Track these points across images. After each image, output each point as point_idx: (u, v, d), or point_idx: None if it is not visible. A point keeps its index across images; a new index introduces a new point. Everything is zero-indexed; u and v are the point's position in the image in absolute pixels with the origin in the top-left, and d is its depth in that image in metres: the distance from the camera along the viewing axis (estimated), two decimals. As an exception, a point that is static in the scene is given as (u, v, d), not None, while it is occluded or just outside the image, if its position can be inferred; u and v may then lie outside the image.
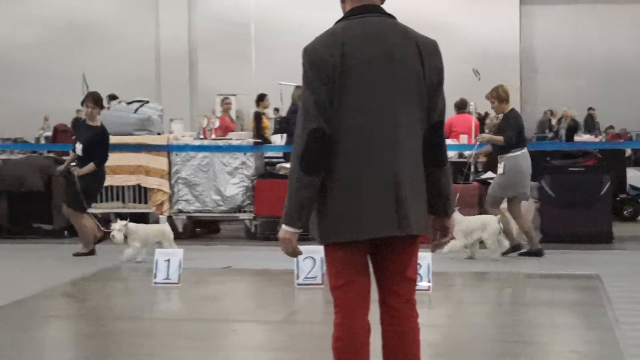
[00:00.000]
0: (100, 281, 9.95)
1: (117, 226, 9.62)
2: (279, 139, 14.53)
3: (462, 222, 9.48)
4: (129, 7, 28.16)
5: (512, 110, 10.40)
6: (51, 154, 14.86)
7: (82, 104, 10.72)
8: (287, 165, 12.14)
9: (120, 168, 12.53)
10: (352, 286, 3.74)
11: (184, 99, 26.46)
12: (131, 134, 12.59)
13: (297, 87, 13.11)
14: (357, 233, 3.68)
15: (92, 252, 10.36)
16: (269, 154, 13.39)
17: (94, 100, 10.35)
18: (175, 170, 12.23)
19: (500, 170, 10.13)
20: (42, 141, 24.70)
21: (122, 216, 11.00)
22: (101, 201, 12.29)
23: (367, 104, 3.77)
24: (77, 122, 10.73)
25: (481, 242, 9.75)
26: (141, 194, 12.52)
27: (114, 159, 12.05)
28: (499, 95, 10.55)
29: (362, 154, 3.76)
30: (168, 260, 9.26)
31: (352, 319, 3.85)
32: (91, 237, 10.62)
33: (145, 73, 27.34)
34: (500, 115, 10.53)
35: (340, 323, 3.81)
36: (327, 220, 3.77)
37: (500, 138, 9.97)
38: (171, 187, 12.32)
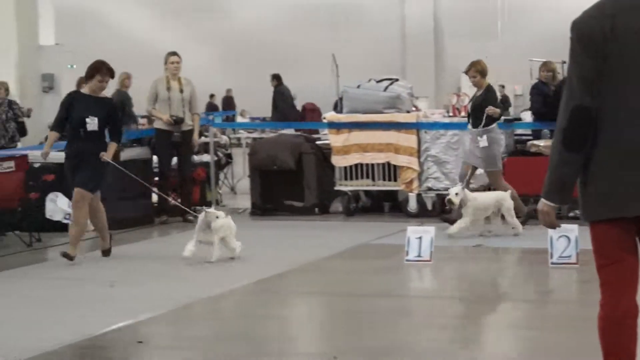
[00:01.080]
0: (350, 259, 10.31)
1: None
2: (528, 116, 14.50)
3: (474, 200, 10.00)
4: (375, -14, 29.46)
5: (490, 84, 11.08)
6: (299, 132, 15.52)
7: (90, 76, 9.64)
8: (538, 142, 12.35)
9: (370, 146, 12.81)
10: (619, 265, 3.78)
11: (428, 76, 27.38)
12: (381, 112, 12.88)
13: (544, 63, 13.25)
14: (623, 210, 3.70)
15: None
16: (519, 131, 13.47)
17: (110, 72, 9.68)
18: (424, 148, 12.46)
19: (484, 143, 10.56)
20: (291, 120, 26.37)
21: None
22: (351, 179, 12.66)
23: (636, 79, 3.76)
24: (76, 94, 10.48)
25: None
26: (390, 171, 12.78)
27: (363, 137, 12.48)
28: (482, 70, 11.18)
29: (630, 131, 3.76)
30: (420, 238, 9.46)
31: (618, 299, 3.87)
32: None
33: (391, 51, 28.44)
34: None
35: (605, 303, 3.84)
36: (591, 197, 3.82)
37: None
38: (420, 164, 12.54)
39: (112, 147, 9.70)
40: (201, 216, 9.24)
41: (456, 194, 9.81)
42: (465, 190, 10.07)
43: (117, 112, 10.01)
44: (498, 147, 11.09)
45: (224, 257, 9.06)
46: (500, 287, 8.74)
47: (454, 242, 10.50)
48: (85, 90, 9.72)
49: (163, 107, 12.97)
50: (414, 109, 13.77)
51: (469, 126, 11.14)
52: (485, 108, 11.06)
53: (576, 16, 3.88)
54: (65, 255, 9.49)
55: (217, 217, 8.92)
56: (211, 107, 28.05)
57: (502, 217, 10.42)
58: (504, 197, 10.12)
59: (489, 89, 11.14)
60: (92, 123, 9.28)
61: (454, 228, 10.30)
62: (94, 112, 9.25)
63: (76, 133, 9.35)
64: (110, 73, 9.54)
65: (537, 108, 12.81)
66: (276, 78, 20.98)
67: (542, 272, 8.93)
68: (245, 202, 14.56)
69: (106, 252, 9.96)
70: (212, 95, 28.88)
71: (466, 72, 11.97)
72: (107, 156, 9.19)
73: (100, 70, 9.49)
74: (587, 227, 3.85)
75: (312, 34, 29.01)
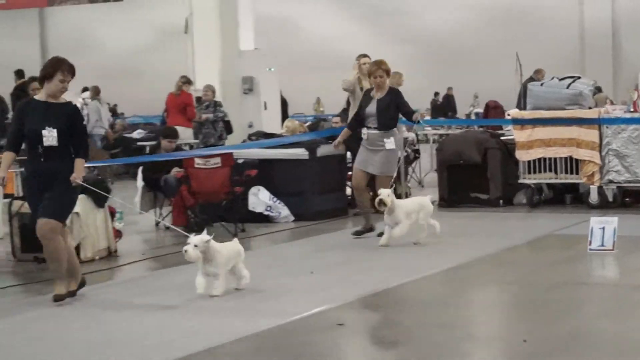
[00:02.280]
0: (534, 249, 10.57)
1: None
2: None
3: (403, 205, 10.05)
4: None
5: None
6: (482, 129, 16.21)
7: (46, 78, 7.62)
8: None
9: (553, 141, 13.21)
10: None
11: (606, 75, 27.27)
12: (563, 109, 13.23)
13: None
14: None
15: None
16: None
17: (72, 70, 7.72)
18: (606, 142, 12.67)
19: (390, 145, 10.49)
20: (472, 117, 26.62)
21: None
22: (534, 172, 13.08)
23: None
24: (29, 102, 8.27)
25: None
26: (572, 164, 13.11)
27: (546, 132, 12.88)
28: (388, 70, 10.96)
29: None
30: (603, 228, 9.61)
31: None
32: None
33: (569, 50, 28.61)
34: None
35: None
36: None
37: None
38: (602, 158, 12.77)
39: (80, 165, 7.90)
40: (201, 243, 7.58)
41: (388, 195, 9.78)
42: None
43: (81, 120, 8.12)
44: (398, 150, 11.22)
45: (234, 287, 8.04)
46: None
47: (636, 231, 10.39)
48: (40, 96, 7.71)
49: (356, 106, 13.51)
50: (608, 102, 14.11)
51: None
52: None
53: None
54: (56, 298, 7.79)
55: (216, 249, 7.57)
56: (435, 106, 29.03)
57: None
58: (425, 202, 10.22)
59: (398, 91, 11.12)
60: (49, 136, 7.52)
61: (396, 231, 10.07)
62: (52, 123, 7.47)
63: (33, 150, 7.59)
64: (72, 71, 7.67)
65: None
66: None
67: None
68: (432, 194, 14.78)
69: (69, 294, 7.87)
70: (436, 94, 30.32)
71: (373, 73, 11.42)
72: (78, 179, 7.53)
73: (60, 67, 7.61)
74: None
75: (492, 34, 29.68)
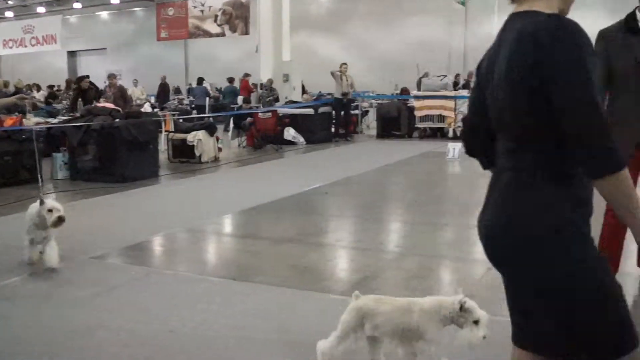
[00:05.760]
0: (423, 157, 14.69)
1: None
2: None
3: None
4: None
5: None
6: (398, 100, 22.81)
7: None
8: None
9: (433, 106, 20.58)
10: None
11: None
12: (438, 91, 20.51)
13: None
14: None
15: None
16: None
17: None
18: (458, 107, 20.16)
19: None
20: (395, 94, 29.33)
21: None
22: (423, 121, 20.62)
23: None
24: None
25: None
26: (441, 118, 20.33)
27: (429, 102, 20.22)
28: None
29: None
30: (454, 148, 14.10)
31: None
32: None
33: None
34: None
35: None
36: None
37: None
38: (455, 115, 19.98)
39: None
40: (35, 209, 6.58)
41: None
42: None
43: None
44: None
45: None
46: None
47: None
48: None
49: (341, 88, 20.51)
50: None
51: None
52: None
53: None
54: None
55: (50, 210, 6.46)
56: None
57: None
58: None
59: None
60: None
61: None
62: None
63: None
64: None
65: None
66: None
67: None
68: (372, 131, 21.39)
69: None
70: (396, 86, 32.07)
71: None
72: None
73: None
74: None
75: (412, 55, 34.56)
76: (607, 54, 4.90)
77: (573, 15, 2.51)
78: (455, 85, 23.75)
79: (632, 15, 5.08)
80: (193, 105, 27.59)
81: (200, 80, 29.78)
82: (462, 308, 3.60)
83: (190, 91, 33.62)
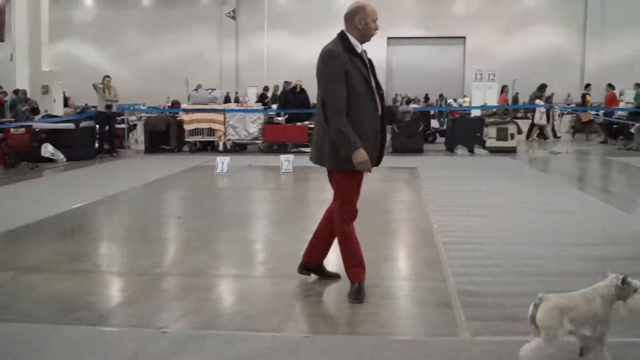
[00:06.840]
0: (190, 172, 16.58)
1: None
2: None
3: None
4: None
5: None
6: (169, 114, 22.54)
7: None
8: None
9: (202, 120, 21.22)
10: None
11: None
12: (207, 104, 21.08)
13: None
14: None
15: None
16: None
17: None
18: (227, 120, 20.79)
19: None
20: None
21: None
22: (193, 135, 21.12)
23: None
24: None
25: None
26: (211, 132, 20.93)
27: (199, 116, 20.82)
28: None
29: None
30: (223, 162, 17.56)
31: None
32: None
33: None
34: None
35: None
36: None
37: None
38: (225, 128, 20.81)
39: None
40: None
41: None
42: None
43: None
44: None
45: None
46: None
47: (239, 163, 15.72)
48: None
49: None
50: None
51: None
52: None
53: None
54: None
55: None
56: None
57: None
58: None
59: None
60: None
61: None
62: None
63: None
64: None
65: None
66: None
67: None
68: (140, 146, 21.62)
69: None
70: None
71: None
72: None
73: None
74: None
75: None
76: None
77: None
78: (227, 100, 23.63)
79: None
80: None
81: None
82: (624, 282, 4.14)
83: None
